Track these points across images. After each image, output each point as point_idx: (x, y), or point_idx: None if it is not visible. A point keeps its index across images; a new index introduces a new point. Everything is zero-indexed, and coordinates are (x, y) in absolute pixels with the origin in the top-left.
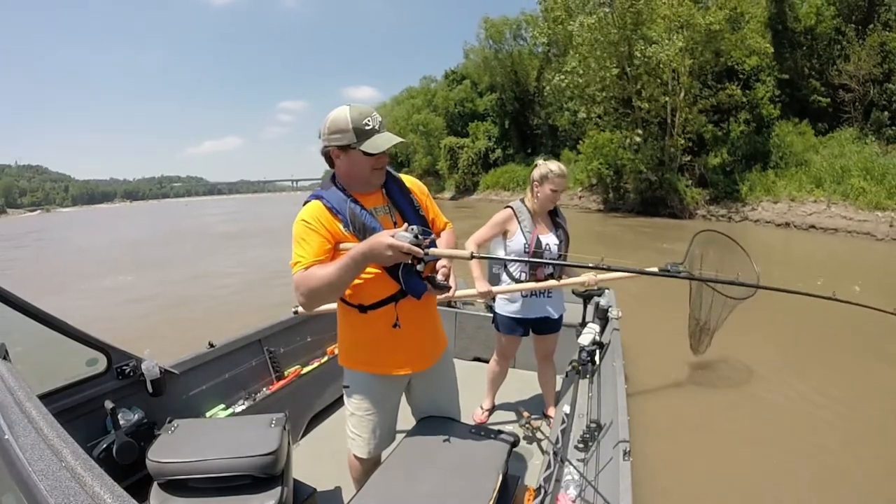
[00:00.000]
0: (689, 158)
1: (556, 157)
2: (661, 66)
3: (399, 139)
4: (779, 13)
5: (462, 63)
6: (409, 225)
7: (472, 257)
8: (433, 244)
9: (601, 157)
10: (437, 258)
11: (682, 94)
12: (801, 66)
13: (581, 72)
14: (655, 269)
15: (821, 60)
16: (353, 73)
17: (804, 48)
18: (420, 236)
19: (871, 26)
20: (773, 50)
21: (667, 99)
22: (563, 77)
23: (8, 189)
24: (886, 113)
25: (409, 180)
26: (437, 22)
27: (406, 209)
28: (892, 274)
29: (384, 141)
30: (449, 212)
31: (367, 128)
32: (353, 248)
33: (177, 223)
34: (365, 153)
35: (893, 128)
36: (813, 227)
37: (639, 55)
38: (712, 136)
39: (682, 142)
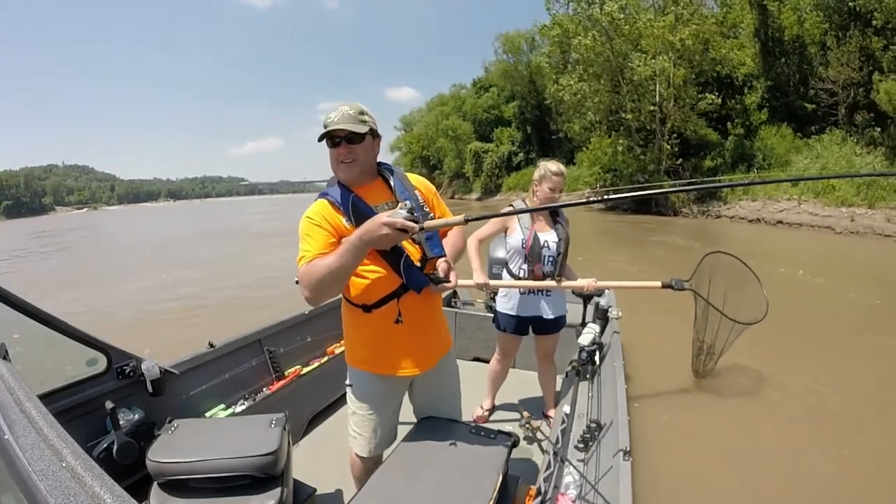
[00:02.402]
0: (679, 162)
1: (572, 160)
2: (646, 82)
3: (339, 126)
4: (763, 23)
5: (485, 74)
6: (404, 201)
7: (466, 221)
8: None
9: (600, 163)
10: (432, 234)
11: (671, 103)
12: (792, 73)
13: (576, 88)
14: (658, 284)
15: (811, 66)
16: (395, 74)
17: (793, 55)
18: (414, 212)
19: (850, 32)
20: (752, 60)
21: (652, 109)
22: (560, 87)
23: (56, 188)
24: (872, 115)
25: (415, 179)
26: (479, 22)
27: (409, 202)
28: (839, 260)
29: (327, 128)
30: (475, 212)
31: (326, 122)
32: (351, 234)
33: (219, 221)
34: (330, 147)
35: (876, 129)
36: (780, 222)
37: (627, 73)
38: (701, 140)
39: (669, 148)
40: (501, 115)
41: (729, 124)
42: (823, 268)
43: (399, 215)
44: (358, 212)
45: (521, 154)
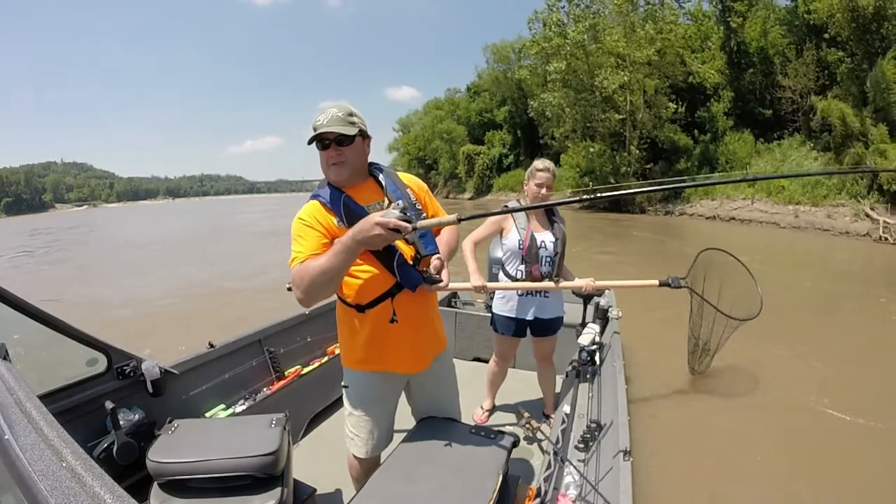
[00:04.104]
0: (649, 166)
1: (558, 162)
2: (614, 95)
3: (327, 128)
4: (729, 37)
5: (477, 80)
6: (396, 201)
7: (459, 220)
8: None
9: (579, 166)
10: (425, 232)
11: (640, 115)
12: (758, 81)
13: (555, 101)
14: (655, 282)
15: (774, 76)
16: (395, 74)
17: (758, 65)
18: (407, 211)
19: (806, 45)
20: (720, 71)
21: (621, 118)
22: (542, 102)
23: (55, 185)
24: (823, 120)
25: (406, 178)
26: (479, 22)
27: (402, 201)
28: (783, 251)
29: (316, 132)
30: (468, 211)
31: (315, 125)
32: (344, 234)
33: (218, 220)
34: (320, 149)
35: (828, 134)
36: (733, 218)
37: (596, 87)
38: (672, 145)
39: (638, 153)
40: (493, 119)
41: (696, 131)
42: (770, 257)
43: (392, 215)
44: (350, 212)
45: (512, 156)
